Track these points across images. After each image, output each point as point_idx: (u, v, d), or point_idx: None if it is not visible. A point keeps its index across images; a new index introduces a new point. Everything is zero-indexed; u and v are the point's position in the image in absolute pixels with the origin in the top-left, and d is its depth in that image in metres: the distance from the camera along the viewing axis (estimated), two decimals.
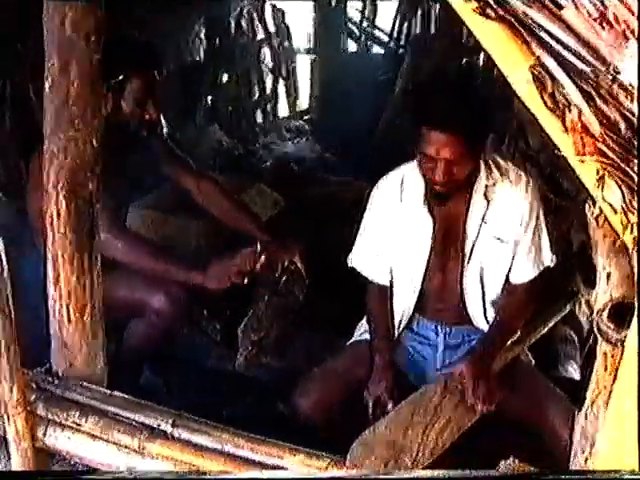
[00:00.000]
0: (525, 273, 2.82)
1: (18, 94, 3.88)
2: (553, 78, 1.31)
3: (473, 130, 2.54)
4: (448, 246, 2.80)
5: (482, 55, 6.65)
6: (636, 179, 1.40)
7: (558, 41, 1.28)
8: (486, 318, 2.87)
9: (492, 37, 1.33)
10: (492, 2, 1.27)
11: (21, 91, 3.88)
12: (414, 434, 2.41)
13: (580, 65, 1.28)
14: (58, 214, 2.35)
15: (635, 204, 1.43)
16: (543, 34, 1.28)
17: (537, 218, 2.77)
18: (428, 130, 2.50)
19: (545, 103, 1.33)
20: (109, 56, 2.54)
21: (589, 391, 1.93)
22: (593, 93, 1.30)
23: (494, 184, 2.71)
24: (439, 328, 2.92)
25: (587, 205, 1.66)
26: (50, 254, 2.42)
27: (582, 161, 1.35)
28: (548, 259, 2.83)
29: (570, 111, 1.31)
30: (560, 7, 1.28)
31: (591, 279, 3.72)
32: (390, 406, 2.66)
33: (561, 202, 3.10)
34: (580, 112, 1.31)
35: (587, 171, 1.36)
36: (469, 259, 2.78)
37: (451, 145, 2.50)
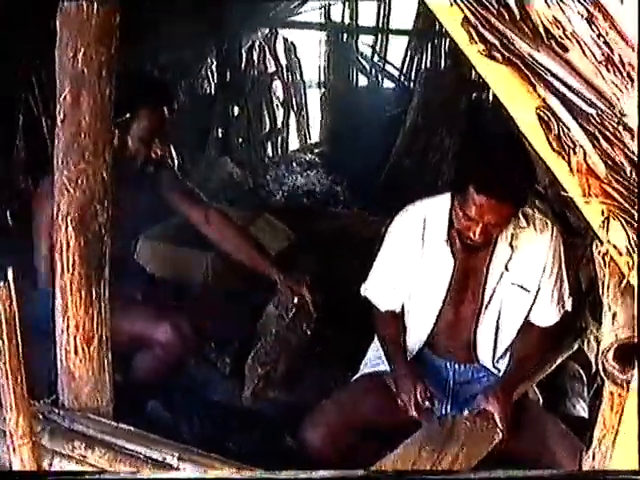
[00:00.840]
0: (548, 318, 2.84)
1: (31, 126, 3.93)
2: (559, 120, 1.32)
3: (521, 197, 2.55)
4: (466, 288, 2.81)
5: (491, 91, 6.71)
6: None
7: (563, 83, 1.29)
8: (493, 359, 2.86)
9: (498, 78, 1.35)
10: (498, 45, 1.28)
11: (34, 123, 3.92)
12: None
13: (585, 107, 1.29)
14: (67, 245, 2.35)
15: None
16: (549, 76, 1.29)
17: (560, 265, 2.78)
18: (476, 192, 2.47)
19: (551, 145, 1.34)
20: (118, 92, 2.57)
21: (596, 430, 1.91)
22: (598, 135, 1.31)
23: (520, 232, 2.72)
24: (449, 365, 2.92)
25: (594, 244, 1.67)
26: (58, 285, 2.42)
27: (588, 202, 1.35)
28: (569, 303, 2.85)
29: (575, 153, 1.32)
30: (566, 50, 1.29)
31: (600, 316, 3.71)
32: (427, 404, 2.68)
33: (570, 239, 3.09)
34: (585, 154, 1.32)
35: (593, 212, 1.37)
36: (488, 304, 2.79)
37: (497, 211, 2.49)
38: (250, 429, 3.13)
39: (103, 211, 2.37)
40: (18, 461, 2.29)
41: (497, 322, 2.83)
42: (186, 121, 6.00)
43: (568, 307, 2.85)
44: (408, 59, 7.29)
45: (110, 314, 2.55)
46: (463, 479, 2.25)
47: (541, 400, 2.99)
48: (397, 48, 7.51)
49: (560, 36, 1.27)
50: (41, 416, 2.45)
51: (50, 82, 2.33)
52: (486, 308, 2.80)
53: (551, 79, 1.29)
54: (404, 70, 7.35)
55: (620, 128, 1.30)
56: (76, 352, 2.46)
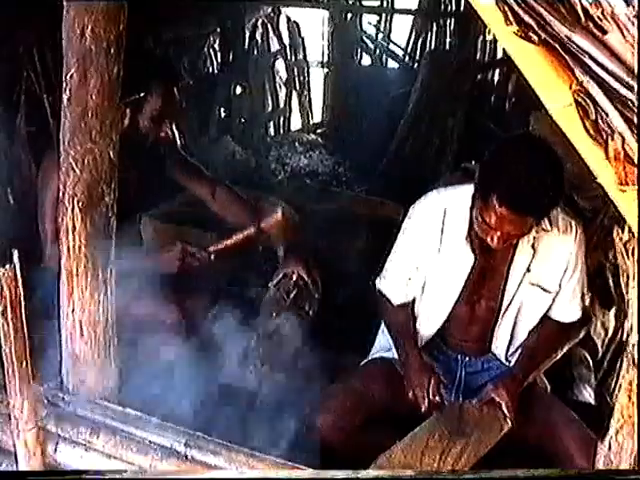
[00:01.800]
0: (570, 315, 2.84)
1: (32, 103, 3.87)
2: (596, 105, 1.27)
3: (545, 211, 2.50)
4: (484, 286, 2.78)
5: (497, 72, 6.66)
6: None
7: (602, 66, 1.24)
8: (507, 352, 2.85)
9: (530, 61, 1.29)
10: (535, 26, 1.23)
11: (35, 100, 3.86)
12: (430, 459, 2.38)
13: (624, 92, 1.24)
14: (74, 227, 2.31)
15: None
16: (587, 59, 1.24)
17: (581, 265, 2.76)
18: (498, 203, 2.40)
19: (587, 130, 1.29)
20: (130, 71, 2.54)
21: (612, 420, 1.88)
22: (636, 121, 1.26)
23: (543, 234, 2.68)
24: (459, 357, 2.90)
25: (615, 231, 1.63)
26: (64, 268, 2.38)
27: (623, 190, 1.30)
28: (587, 298, 2.82)
29: (613, 139, 1.27)
30: (604, 31, 1.23)
31: (607, 300, 3.69)
32: (438, 399, 2.67)
33: (578, 227, 3.06)
34: (623, 140, 1.27)
35: (627, 201, 1.32)
36: (509, 304, 2.76)
37: (518, 222, 2.44)
38: (256, 413, 3.09)
39: (110, 192, 2.33)
40: (22, 446, 2.28)
41: (515, 319, 2.82)
42: (188, 100, 5.95)
43: (587, 302, 2.83)
44: (413, 39, 7.23)
45: (117, 296, 2.52)
46: (469, 479, 2.24)
47: (549, 387, 2.96)
48: (402, 28, 7.43)
49: (599, 17, 1.22)
50: (46, 400, 2.42)
51: (53, 59, 2.28)
52: (507, 308, 2.78)
53: (589, 62, 1.24)
54: (409, 50, 7.28)
55: None
56: (82, 335, 2.43)
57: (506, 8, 1.23)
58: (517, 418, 2.65)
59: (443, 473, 2.30)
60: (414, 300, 2.87)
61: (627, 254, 1.56)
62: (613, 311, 3.65)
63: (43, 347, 2.56)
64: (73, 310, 2.40)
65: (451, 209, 2.70)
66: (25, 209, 3.73)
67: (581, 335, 3.44)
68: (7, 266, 2.07)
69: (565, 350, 3.24)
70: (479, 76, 6.70)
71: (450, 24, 6.91)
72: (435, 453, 2.40)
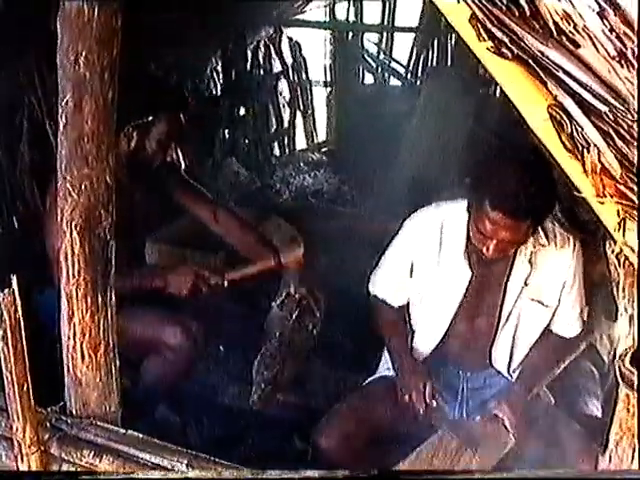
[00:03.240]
0: (569, 329, 2.84)
1: (36, 130, 3.90)
2: (571, 118, 1.27)
3: (539, 216, 2.47)
4: (482, 300, 2.78)
5: (498, 88, 6.66)
6: None
7: (576, 80, 1.25)
8: (509, 366, 2.84)
9: (508, 76, 1.31)
10: (507, 42, 1.24)
11: (39, 127, 3.90)
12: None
13: (598, 105, 1.25)
14: (72, 251, 2.33)
15: None
16: (560, 73, 1.25)
17: (580, 279, 2.75)
18: (492, 210, 2.39)
19: (563, 144, 1.29)
20: (136, 96, 2.57)
21: (612, 433, 1.88)
22: (612, 133, 1.27)
23: (540, 249, 2.67)
24: (461, 373, 2.89)
25: (607, 243, 1.63)
26: (64, 291, 2.40)
27: (602, 203, 1.31)
28: (585, 312, 2.81)
29: (589, 152, 1.28)
30: (577, 45, 1.24)
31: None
32: (434, 402, 2.66)
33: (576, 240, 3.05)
34: (600, 153, 1.27)
35: (608, 213, 1.32)
36: (507, 319, 2.76)
37: (513, 229, 2.42)
38: (260, 433, 3.10)
39: (108, 216, 2.34)
40: (26, 469, 2.28)
41: (514, 334, 2.81)
42: (191, 122, 5.97)
43: (585, 316, 2.82)
44: (414, 56, 7.24)
45: (119, 318, 2.53)
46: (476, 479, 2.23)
47: (553, 400, 2.95)
48: (403, 45, 7.45)
49: (571, 31, 1.23)
50: (49, 424, 2.43)
51: (54, 85, 2.30)
52: (505, 323, 2.78)
53: (562, 76, 1.25)
54: (410, 67, 7.29)
55: (635, 126, 1.25)
56: (83, 359, 2.44)
57: (478, 25, 1.24)
58: (521, 433, 2.63)
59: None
60: (408, 308, 2.87)
61: (618, 265, 1.56)
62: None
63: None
64: (74, 334, 2.41)
65: (448, 223, 2.71)
66: (29, 234, 3.76)
67: (581, 348, 3.44)
68: (6, 290, 2.09)
69: (566, 363, 3.24)
70: (482, 91, 6.69)
71: (451, 40, 6.92)
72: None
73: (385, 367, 2.94)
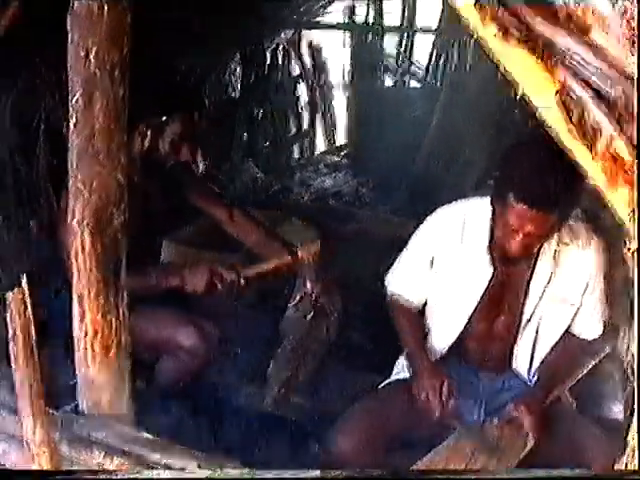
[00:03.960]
0: (592, 331, 2.80)
1: (52, 130, 3.90)
2: (580, 104, 1.23)
3: (564, 207, 2.43)
4: (503, 299, 2.74)
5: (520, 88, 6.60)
6: None
7: (585, 64, 1.21)
8: (530, 369, 2.80)
9: (518, 63, 1.27)
10: (515, 26, 1.20)
11: (55, 127, 3.90)
12: None
13: (608, 89, 1.20)
14: (83, 250, 2.32)
15: None
16: (568, 58, 1.21)
17: (603, 280, 2.71)
18: (516, 202, 2.37)
19: (573, 131, 1.25)
20: (154, 95, 2.56)
21: (630, 435, 1.83)
22: (624, 120, 1.22)
23: (563, 248, 2.63)
24: (479, 374, 2.84)
25: (624, 241, 1.59)
26: (75, 291, 2.38)
27: (613, 192, 1.26)
28: (607, 313, 2.76)
29: (599, 139, 1.23)
30: (586, 29, 1.20)
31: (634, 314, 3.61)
32: (450, 404, 2.61)
33: (600, 240, 3.00)
34: (611, 139, 1.23)
35: (620, 202, 1.28)
36: (529, 319, 2.72)
37: (538, 221, 2.39)
38: (274, 435, 3.06)
39: (119, 215, 2.33)
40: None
41: (536, 335, 2.77)
42: (210, 125, 5.98)
43: (607, 317, 2.78)
44: (434, 58, 7.20)
45: (133, 319, 2.52)
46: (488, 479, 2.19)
47: (574, 404, 2.90)
48: (423, 47, 7.41)
49: (580, 15, 1.19)
50: (60, 424, 2.41)
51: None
52: (527, 324, 2.74)
53: (571, 60, 1.21)
54: (430, 70, 7.25)
55: None
56: (94, 359, 2.42)
57: (484, 9, 1.20)
58: (541, 436, 2.59)
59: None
60: (427, 311, 2.83)
61: (636, 263, 1.52)
62: None
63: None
64: (86, 333, 2.40)
65: (471, 219, 2.67)
66: (47, 237, 3.76)
67: (606, 351, 3.38)
68: (16, 289, 2.07)
69: (590, 366, 3.18)
70: (502, 93, 6.63)
71: (471, 41, 6.86)
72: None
73: (400, 369, 2.90)
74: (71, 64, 2.19)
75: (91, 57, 2.15)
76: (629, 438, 1.84)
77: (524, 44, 1.23)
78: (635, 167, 1.29)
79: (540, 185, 2.33)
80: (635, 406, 1.60)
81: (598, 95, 1.23)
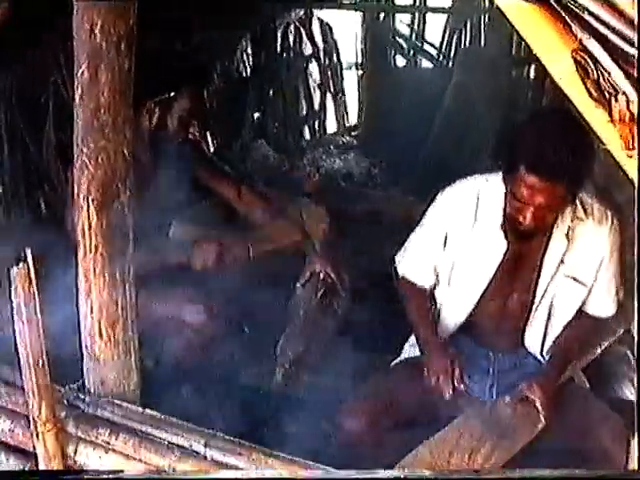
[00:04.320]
0: (605, 309, 2.76)
1: (61, 109, 3.87)
2: (598, 63, 1.18)
3: (576, 178, 2.39)
4: (515, 278, 2.70)
5: (532, 67, 6.55)
6: None
7: (603, 23, 1.16)
8: (542, 348, 2.76)
9: (531, 24, 1.22)
10: None
11: (64, 106, 3.87)
12: (458, 459, 2.30)
13: (627, 48, 1.16)
14: (89, 226, 2.29)
15: None
16: (586, 15, 1.16)
17: (617, 258, 2.67)
18: (527, 173, 2.34)
19: (589, 92, 1.20)
20: (160, 72, 2.54)
21: None
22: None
23: (577, 224, 2.60)
24: (491, 354, 2.81)
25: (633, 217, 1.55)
26: (81, 267, 2.36)
27: (630, 156, 1.22)
28: (622, 293, 2.72)
29: (617, 100, 1.19)
30: None
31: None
32: (462, 385, 2.58)
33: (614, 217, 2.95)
34: (628, 101, 1.18)
35: (635, 167, 1.23)
36: (542, 297, 2.69)
37: (549, 193, 2.36)
38: (284, 414, 3.04)
39: (125, 190, 2.30)
40: (42, 447, 2.25)
41: (549, 313, 2.73)
42: (222, 104, 5.95)
43: (621, 295, 2.73)
44: (447, 38, 7.14)
45: (140, 296, 2.49)
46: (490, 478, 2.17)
47: (587, 384, 2.86)
48: (435, 27, 7.35)
49: None
50: (66, 402, 2.39)
51: None
52: (540, 302, 2.70)
53: (588, 18, 1.16)
54: (443, 49, 7.19)
55: None
56: (100, 336, 2.40)
57: None
58: (553, 415, 2.56)
59: (462, 473, 2.22)
60: (436, 285, 2.80)
61: None
62: None
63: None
64: (92, 310, 2.37)
65: (484, 195, 2.63)
66: (55, 214, 3.75)
67: (620, 331, 3.34)
68: (21, 264, 2.05)
69: (604, 347, 3.15)
70: (514, 72, 6.58)
71: (484, 21, 6.80)
72: (464, 452, 2.32)
73: (411, 348, 2.87)
74: (76, 36, 2.16)
75: (96, 29, 2.11)
76: None
77: (540, 1, 1.18)
78: (636, 163, 1.26)
79: (549, 155, 2.30)
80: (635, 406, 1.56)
81: (615, 54, 1.19)
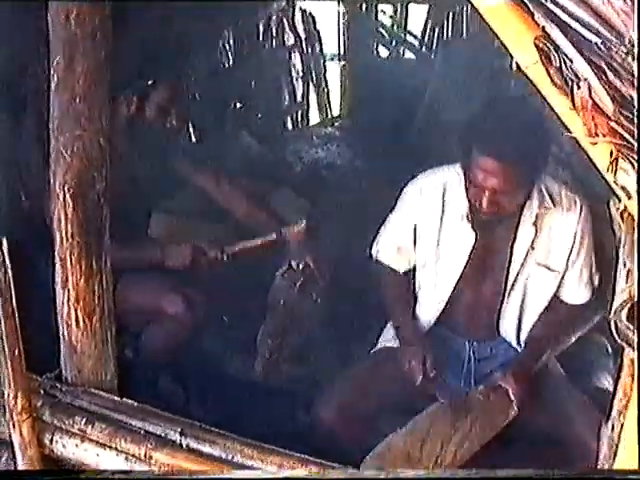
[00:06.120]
0: (579, 296, 2.77)
1: (40, 101, 3.85)
2: (560, 51, 1.19)
3: (526, 162, 2.42)
4: (486, 267, 2.73)
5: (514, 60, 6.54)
6: None
7: (566, 11, 1.17)
8: (518, 336, 2.78)
9: (498, 13, 1.23)
10: None
11: (42, 97, 3.84)
12: (431, 447, 2.32)
13: (590, 37, 1.16)
14: (65, 215, 2.29)
15: None
16: (549, 3, 1.17)
17: (588, 244, 2.68)
18: (478, 154, 2.38)
19: (552, 79, 1.21)
20: (140, 60, 2.53)
21: (616, 400, 1.82)
22: (605, 67, 1.18)
23: (545, 212, 2.62)
24: (467, 343, 2.83)
25: (612, 201, 1.56)
26: (58, 256, 2.35)
27: (594, 143, 1.23)
28: (596, 279, 2.73)
29: (579, 87, 1.19)
30: None
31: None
32: (433, 371, 2.59)
33: (592, 206, 2.96)
34: (590, 88, 1.19)
35: (600, 154, 1.24)
36: (513, 285, 2.70)
37: (501, 175, 2.38)
38: (263, 404, 3.05)
39: (101, 179, 2.30)
40: (18, 436, 2.25)
41: (522, 301, 2.75)
42: (203, 95, 5.92)
43: (596, 282, 2.75)
44: (429, 29, 7.13)
45: (118, 285, 2.49)
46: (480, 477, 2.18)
47: (563, 373, 2.88)
48: (417, 18, 7.34)
49: None
50: (42, 391, 2.39)
51: None
52: (511, 289, 2.72)
53: (551, 6, 1.17)
54: (425, 40, 7.19)
55: (629, 59, 1.17)
56: (77, 325, 2.40)
57: None
58: (528, 403, 2.57)
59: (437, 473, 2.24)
60: (415, 281, 2.81)
61: (621, 221, 1.49)
62: None
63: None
64: (69, 299, 2.37)
65: (450, 184, 2.65)
66: (37, 206, 3.72)
67: (596, 319, 3.36)
68: None
69: (579, 334, 3.16)
70: (496, 63, 6.59)
71: (466, 11, 6.80)
72: (437, 440, 2.34)
73: (389, 337, 2.88)
74: (52, 26, 2.16)
75: (72, 18, 2.12)
76: (615, 402, 1.82)
77: None
78: (636, 157, 1.26)
79: (499, 137, 2.34)
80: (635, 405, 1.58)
81: (578, 42, 1.19)
